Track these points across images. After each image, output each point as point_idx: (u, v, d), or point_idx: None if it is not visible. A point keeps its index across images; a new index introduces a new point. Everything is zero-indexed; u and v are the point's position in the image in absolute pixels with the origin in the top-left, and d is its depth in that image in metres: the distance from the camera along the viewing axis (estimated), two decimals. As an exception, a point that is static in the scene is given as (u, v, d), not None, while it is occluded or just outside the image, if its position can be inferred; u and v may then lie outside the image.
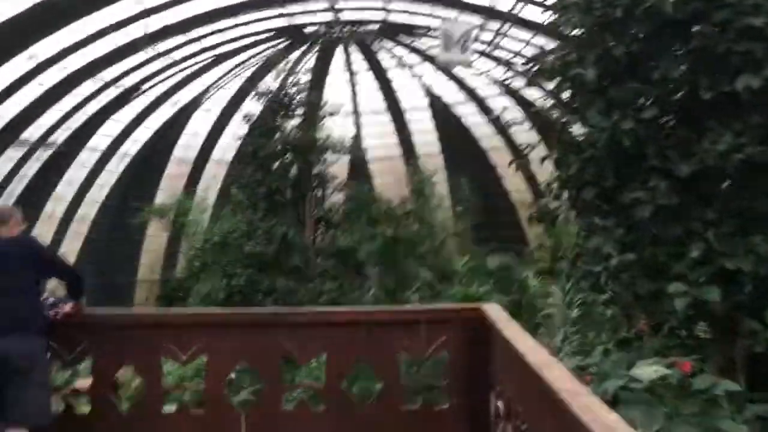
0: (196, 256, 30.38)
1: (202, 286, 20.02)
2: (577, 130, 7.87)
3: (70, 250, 34.13)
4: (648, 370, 4.71)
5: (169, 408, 4.77)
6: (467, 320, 4.68)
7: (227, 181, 32.79)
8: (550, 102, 10.29)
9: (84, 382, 4.97)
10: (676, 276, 6.07)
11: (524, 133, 37.44)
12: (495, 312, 4.37)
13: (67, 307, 4.70)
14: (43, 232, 32.24)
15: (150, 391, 4.69)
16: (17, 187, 29.61)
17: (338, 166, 25.10)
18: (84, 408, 4.80)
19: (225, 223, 22.06)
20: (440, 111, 38.37)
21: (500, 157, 38.80)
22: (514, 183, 38.97)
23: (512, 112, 36.12)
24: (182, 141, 36.78)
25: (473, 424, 4.47)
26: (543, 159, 8.51)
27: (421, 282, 17.55)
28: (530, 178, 38.05)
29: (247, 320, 4.73)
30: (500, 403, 3.90)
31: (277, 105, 20.92)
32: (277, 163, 20.60)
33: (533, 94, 34.22)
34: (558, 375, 2.55)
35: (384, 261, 17.70)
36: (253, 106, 24.04)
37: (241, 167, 22.63)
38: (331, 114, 22.23)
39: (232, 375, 4.68)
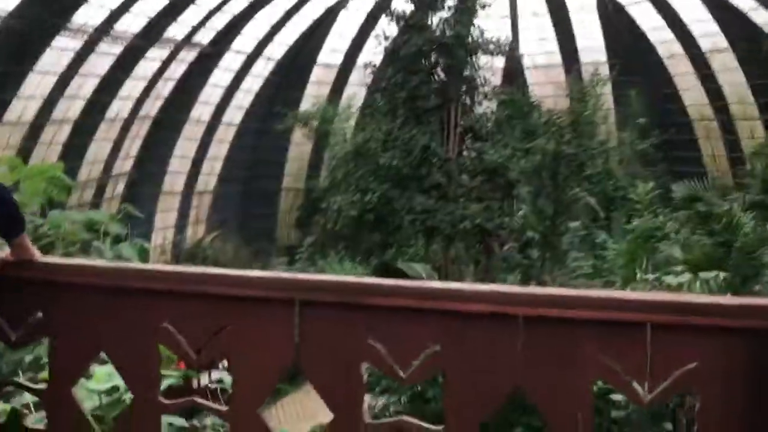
0: (337, 166, 29.13)
1: (335, 202, 18.37)
2: None
3: (216, 155, 34.10)
4: None
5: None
6: (746, 332, 2.21)
7: (373, 87, 30.83)
8: None
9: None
10: None
11: (706, 39, 32.47)
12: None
13: (2, 253, 2.73)
14: (191, 135, 32.26)
15: (140, 400, 2.68)
16: (164, 89, 29.38)
17: (490, 73, 22.23)
18: (35, 419, 2.95)
19: (362, 132, 20.11)
20: (610, 13, 33.77)
21: (679, 67, 34.05)
22: (692, 96, 34.21)
23: (699, 12, 31.03)
24: (328, 44, 35.08)
25: None
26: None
27: (582, 209, 14.71)
28: (714, 92, 33.15)
29: (308, 292, 2.53)
30: None
31: (425, -5, 18.14)
32: (420, 64, 18.05)
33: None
34: None
35: (541, 181, 14.97)
36: (403, 4, 21.48)
37: (382, 69, 20.36)
38: (485, 6, 19.14)
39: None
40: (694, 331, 2.25)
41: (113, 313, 2.70)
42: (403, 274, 13.02)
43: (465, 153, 18.61)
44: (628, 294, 2.36)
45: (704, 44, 32.44)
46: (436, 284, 2.55)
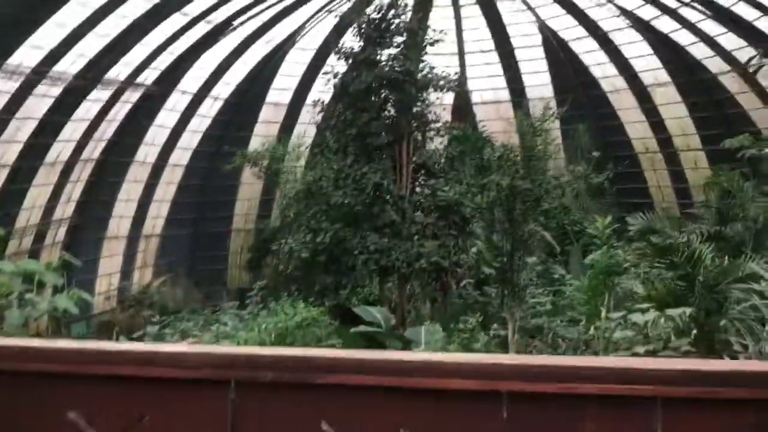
0: (288, 206, 28.71)
1: (286, 243, 17.77)
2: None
3: (163, 198, 33.18)
4: None
5: None
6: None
7: (323, 125, 30.59)
8: None
9: None
10: None
11: (648, 73, 33.25)
12: None
13: None
14: (137, 177, 31.33)
15: None
16: (107, 130, 28.51)
17: (441, 109, 22.19)
18: None
19: (312, 171, 19.67)
20: (555, 49, 34.47)
21: (622, 101, 34.79)
22: (637, 130, 34.94)
23: (640, 47, 31.83)
24: (276, 83, 34.83)
25: None
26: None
27: (537, 244, 14.47)
28: (657, 124, 33.89)
29: (247, 371, 2.08)
30: None
31: (372, 31, 17.92)
32: (370, 101, 17.77)
33: (667, 24, 29.80)
34: None
35: (496, 217, 14.71)
36: (351, 41, 21.30)
37: (331, 107, 20.01)
38: (434, 43, 19.07)
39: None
40: (714, 405, 1.87)
41: (4, 404, 2.18)
42: (358, 318, 12.53)
43: (418, 190, 18.33)
44: (633, 362, 1.96)
45: (646, 78, 33.23)
46: (405, 356, 2.11)
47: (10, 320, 12.09)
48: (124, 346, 2.25)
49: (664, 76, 32.52)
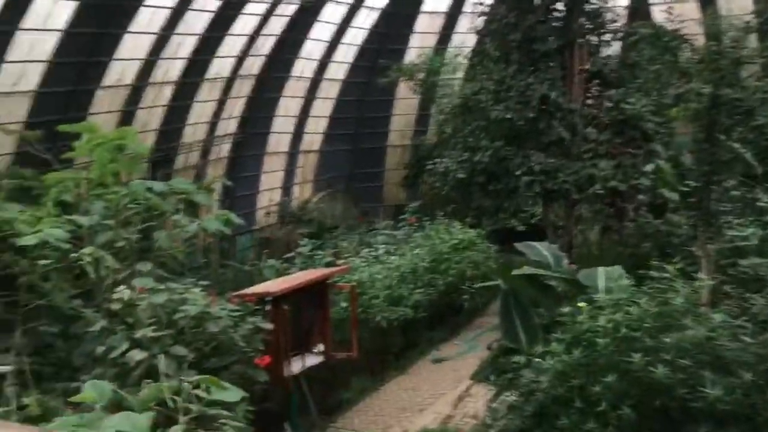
0: (445, 122, 27.37)
1: (441, 162, 16.51)
2: None
3: (320, 113, 32.97)
4: None
5: None
6: None
7: (483, 31, 28.44)
8: None
9: None
10: None
11: None
12: None
13: None
14: (295, 92, 31.23)
15: None
16: (265, 43, 28.34)
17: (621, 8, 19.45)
18: None
19: (471, 83, 18.03)
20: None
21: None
22: None
23: None
24: (434, -10, 32.82)
25: None
26: None
27: (736, 165, 12.05)
28: None
29: None
30: None
31: None
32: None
33: None
34: None
35: (691, 133, 12.30)
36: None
37: (493, 10, 18.04)
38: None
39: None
40: None
41: None
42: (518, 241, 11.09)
43: (591, 102, 16.19)
44: None
45: None
46: None
47: (159, 242, 12.10)
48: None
49: None
